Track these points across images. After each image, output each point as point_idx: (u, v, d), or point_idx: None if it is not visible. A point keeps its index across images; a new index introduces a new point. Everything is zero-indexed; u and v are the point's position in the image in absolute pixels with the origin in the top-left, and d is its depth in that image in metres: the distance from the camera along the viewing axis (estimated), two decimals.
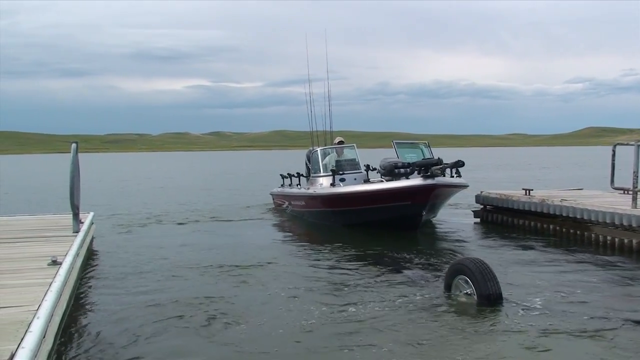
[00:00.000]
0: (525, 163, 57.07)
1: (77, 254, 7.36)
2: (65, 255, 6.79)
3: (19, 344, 3.83)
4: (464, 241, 11.90)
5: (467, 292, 6.84)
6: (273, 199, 18.82)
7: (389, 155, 14.37)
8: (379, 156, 14.80)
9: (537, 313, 6.44)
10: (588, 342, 5.60)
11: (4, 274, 6.12)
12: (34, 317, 4.40)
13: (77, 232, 8.88)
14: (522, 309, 6.54)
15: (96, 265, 9.57)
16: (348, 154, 14.97)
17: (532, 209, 12.32)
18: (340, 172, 14.05)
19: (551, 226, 11.95)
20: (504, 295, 6.73)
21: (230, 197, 22.98)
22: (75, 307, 6.80)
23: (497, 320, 6.25)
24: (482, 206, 14.28)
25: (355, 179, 14.02)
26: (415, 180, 11.99)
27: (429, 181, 11.70)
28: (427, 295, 7.23)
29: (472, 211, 14.77)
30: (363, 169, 14.30)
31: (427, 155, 14.10)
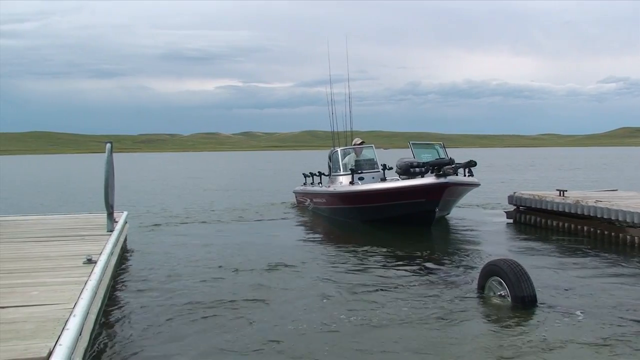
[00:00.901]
0: (558, 164, 56.35)
1: (111, 253, 7.43)
2: (100, 254, 6.87)
3: (57, 341, 3.88)
4: (497, 242, 11.79)
5: (500, 294, 6.78)
6: (296, 197, 19.70)
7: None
8: (409, 156, 14.99)
9: (571, 316, 6.34)
10: (622, 347, 5.49)
11: (41, 272, 6.21)
12: (70, 314, 4.45)
13: (111, 231, 8.97)
14: (556, 312, 6.45)
15: (130, 263, 9.68)
16: (367, 154, 15.87)
17: (566, 210, 12.15)
18: (359, 171, 14.91)
19: (585, 227, 11.78)
20: (538, 297, 6.65)
21: (256, 196, 23.66)
22: (110, 305, 6.88)
23: (530, 322, 6.17)
24: (515, 207, 14.13)
25: (373, 177, 14.80)
26: (429, 179, 12.62)
27: (442, 180, 12.31)
28: (460, 297, 7.17)
29: (505, 212, 14.63)
30: (380, 168, 14.95)
31: (442, 156, 14.70)
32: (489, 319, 6.37)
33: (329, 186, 16.12)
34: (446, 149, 15.65)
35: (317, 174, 17.92)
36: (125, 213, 11.21)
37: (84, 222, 10.45)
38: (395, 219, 13.36)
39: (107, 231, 9.00)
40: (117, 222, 9.63)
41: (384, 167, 14.85)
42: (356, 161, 15.49)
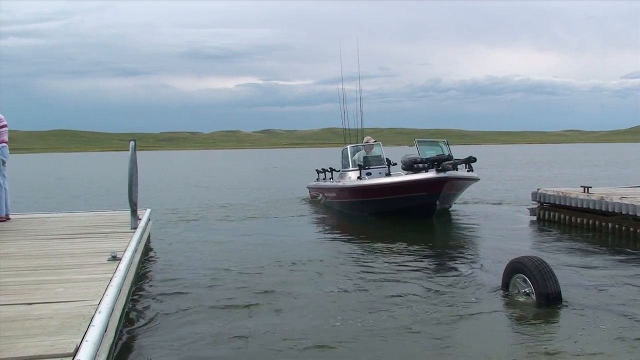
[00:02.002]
0: (582, 160, 55.78)
1: (135, 250, 7.49)
2: (124, 251, 6.93)
3: (83, 337, 3.91)
4: (521, 239, 11.70)
5: (525, 291, 6.72)
6: (310, 192, 20.78)
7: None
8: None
9: (597, 314, 6.27)
10: None
11: (67, 268, 6.27)
12: (95, 311, 4.49)
13: (135, 228, 9.04)
14: (582, 310, 6.38)
15: (153, 260, 9.74)
16: (375, 150, 16.86)
17: (591, 207, 12.01)
18: (367, 167, 16.02)
19: (610, 224, 11.63)
20: (563, 295, 6.59)
21: (274, 192, 24.39)
22: (134, 301, 6.93)
23: (555, 320, 6.13)
24: (538, 204, 14.00)
25: (380, 173, 15.70)
26: (429, 174, 13.60)
27: (441, 174, 13.29)
28: (484, 294, 7.13)
29: (529, 209, 14.50)
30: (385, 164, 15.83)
31: (446, 153, 15.33)
32: (514, 316, 6.32)
33: (339, 181, 17.23)
34: (450, 146, 16.27)
35: (329, 169, 18.84)
36: (149, 210, 11.29)
37: (108, 220, 10.54)
38: (400, 211, 14.27)
39: (131, 228, 9.07)
40: (140, 219, 9.70)
41: (389, 162, 15.62)
42: (365, 157, 16.55)
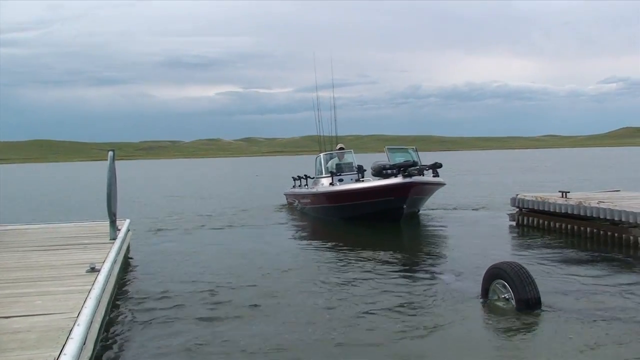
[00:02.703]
0: (560, 165, 56.29)
1: (114, 261, 7.44)
2: (103, 263, 6.88)
3: (61, 350, 3.89)
4: (500, 245, 11.78)
5: (505, 297, 6.77)
6: (286, 199, 21.35)
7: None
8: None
9: (575, 318, 6.33)
10: (626, 350, 5.47)
11: (44, 281, 6.22)
12: (74, 324, 4.46)
13: (114, 239, 8.99)
14: (561, 314, 6.44)
15: (133, 271, 9.67)
16: (347, 157, 17.65)
17: (569, 212, 12.12)
18: (339, 174, 16.77)
19: (588, 229, 11.75)
20: (542, 300, 6.64)
21: (253, 199, 24.80)
22: (114, 313, 6.88)
23: (535, 325, 6.17)
24: (517, 209, 14.10)
25: (351, 179, 16.30)
26: (396, 179, 14.05)
27: (407, 179, 13.82)
28: (464, 300, 7.16)
29: (508, 214, 14.61)
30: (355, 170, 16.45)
31: (415, 159, 15.95)
32: (493, 322, 6.36)
33: (312, 188, 17.90)
34: (418, 152, 17.03)
35: (304, 177, 19.55)
36: (128, 221, 11.22)
37: (87, 231, 10.47)
38: (369, 216, 14.74)
39: (110, 239, 9.02)
40: (119, 229, 9.65)
41: (358, 169, 16.13)
42: (337, 164, 17.33)
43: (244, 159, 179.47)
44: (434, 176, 15.45)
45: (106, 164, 9.02)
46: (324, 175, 17.23)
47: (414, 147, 17.49)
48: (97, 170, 55.30)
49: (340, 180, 16.47)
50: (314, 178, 18.48)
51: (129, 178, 48.15)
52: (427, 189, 15.39)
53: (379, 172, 15.20)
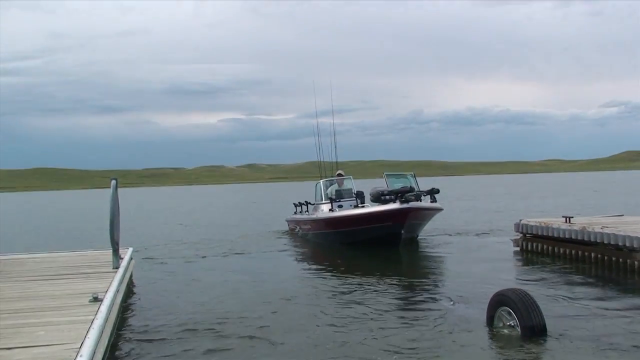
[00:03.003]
0: (563, 189, 56.20)
1: (117, 290, 7.41)
2: (106, 292, 6.85)
3: None
4: (505, 271, 11.72)
5: (510, 324, 6.72)
6: (288, 225, 21.54)
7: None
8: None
9: (581, 345, 6.29)
10: None
11: (47, 311, 6.19)
12: (77, 355, 4.43)
13: (117, 267, 8.96)
14: (567, 342, 6.39)
15: (136, 301, 9.63)
16: (347, 184, 18.00)
17: (573, 237, 12.08)
18: (337, 200, 17.01)
19: (592, 254, 11.69)
20: (547, 327, 6.59)
21: (256, 226, 24.95)
22: (116, 343, 6.84)
23: (541, 352, 6.12)
24: (521, 234, 14.06)
25: (351, 205, 16.58)
26: (394, 205, 14.36)
27: (404, 205, 14.13)
28: (468, 327, 7.11)
29: (512, 240, 14.57)
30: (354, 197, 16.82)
31: (413, 185, 16.28)
32: (498, 350, 6.31)
33: (312, 214, 18.16)
34: (417, 178, 17.34)
35: (305, 203, 19.54)
36: (131, 249, 11.21)
37: (90, 260, 10.44)
38: (368, 241, 14.93)
39: (113, 268, 8.99)
40: (122, 258, 9.62)
41: (356, 195, 16.62)
42: (337, 191, 17.65)
43: (248, 186, 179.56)
44: (431, 201, 15.86)
45: (109, 192, 9.04)
46: (323, 202, 17.53)
47: (412, 172, 17.82)
48: (99, 198, 55.41)
49: (340, 207, 16.74)
50: (314, 204, 18.71)
51: (132, 206, 48.18)
52: (424, 214, 15.63)
53: (378, 197, 15.55)
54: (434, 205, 15.85)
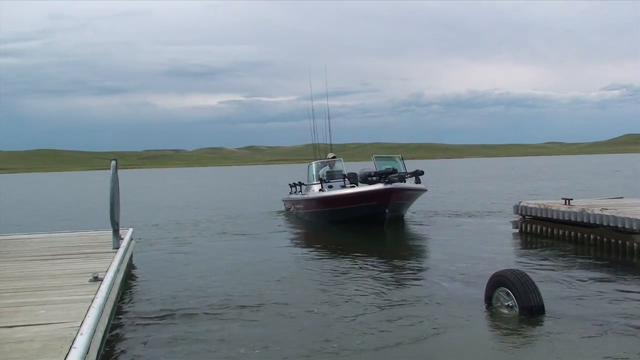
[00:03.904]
0: (563, 172, 56.19)
1: (117, 270, 7.44)
2: (106, 272, 6.87)
3: (64, 359, 3.88)
4: (504, 252, 11.75)
5: (508, 304, 6.75)
6: (284, 204, 22.39)
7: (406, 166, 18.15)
8: (412, 167, 17.77)
9: (579, 325, 6.31)
10: (630, 356, 5.45)
11: (48, 290, 6.22)
12: (77, 333, 4.45)
13: (117, 248, 8.98)
14: (565, 322, 6.42)
15: (136, 281, 9.66)
16: (337, 165, 18.78)
17: (572, 219, 12.10)
18: (328, 180, 17.80)
19: (592, 236, 11.72)
20: (545, 308, 6.62)
21: (255, 206, 25.56)
22: (117, 323, 6.87)
23: (539, 332, 6.15)
24: (520, 216, 14.08)
25: (340, 186, 17.24)
26: (378, 185, 15.14)
27: (388, 186, 14.85)
28: (467, 307, 7.14)
29: (511, 222, 14.59)
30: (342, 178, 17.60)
31: (400, 167, 17.64)
32: (496, 330, 6.35)
33: (305, 194, 19.18)
34: (404, 161, 18.53)
35: (299, 183, 20.85)
36: (131, 230, 11.22)
37: (90, 240, 10.47)
38: (356, 220, 15.67)
39: (113, 248, 9.02)
40: (122, 239, 9.63)
41: (344, 177, 17.37)
42: (328, 172, 18.40)
43: (248, 167, 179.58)
44: (416, 182, 16.88)
45: (109, 173, 9.05)
46: (314, 182, 18.37)
47: (399, 155, 19.03)
48: (100, 179, 55.43)
49: (330, 187, 17.46)
50: (306, 185, 19.65)
51: (132, 187, 48.20)
52: (408, 194, 16.37)
53: (365, 179, 16.31)
54: (417, 186, 16.79)
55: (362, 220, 15.55)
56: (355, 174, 17.08)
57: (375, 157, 18.13)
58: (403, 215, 17.45)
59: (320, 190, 17.35)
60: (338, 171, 18.39)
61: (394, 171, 15.67)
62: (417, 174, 16.88)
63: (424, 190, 17.29)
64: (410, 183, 16.59)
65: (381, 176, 15.38)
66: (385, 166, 16.81)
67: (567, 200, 12.92)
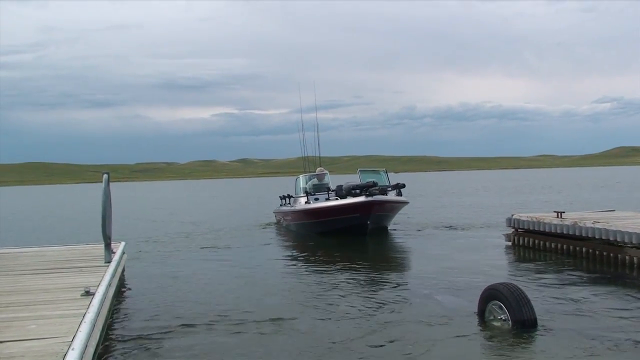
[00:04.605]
0: (555, 185, 56.33)
1: (109, 285, 7.39)
2: (98, 286, 6.83)
3: None
4: (496, 265, 11.75)
5: (501, 318, 6.75)
6: (275, 216, 23.08)
7: (402, 178, 19.53)
8: (405, 180, 18.77)
9: (572, 339, 6.32)
10: None
11: (39, 304, 6.18)
12: (68, 348, 4.42)
13: (109, 262, 8.93)
14: (557, 335, 6.43)
15: (128, 295, 9.63)
16: (325, 179, 19.47)
17: (565, 232, 12.14)
18: (313, 193, 18.38)
19: (584, 249, 11.75)
20: (538, 321, 6.63)
21: (246, 218, 26.04)
22: (108, 337, 6.84)
23: (531, 346, 6.16)
24: (513, 229, 14.11)
25: (326, 198, 17.87)
26: (360, 198, 15.87)
27: (369, 198, 15.61)
28: (459, 321, 7.14)
29: (504, 235, 14.61)
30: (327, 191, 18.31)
31: (384, 180, 18.60)
32: (489, 343, 6.35)
33: (292, 206, 19.56)
34: (388, 174, 19.44)
35: (288, 196, 21.05)
36: (123, 244, 11.17)
37: (82, 254, 10.41)
38: (339, 231, 16.32)
39: (105, 262, 8.96)
40: (114, 252, 9.59)
41: (328, 190, 18.24)
42: (315, 185, 19.13)
43: (240, 180, 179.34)
44: (397, 195, 17.70)
45: (101, 186, 9.01)
46: (301, 195, 18.85)
47: (384, 168, 19.94)
48: (92, 193, 55.25)
49: (316, 199, 18.09)
50: (294, 197, 20.15)
51: (124, 200, 48.03)
52: (389, 206, 17.15)
53: (349, 192, 16.88)
54: (398, 198, 17.64)
55: (346, 231, 16.22)
56: (342, 186, 17.47)
57: (360, 170, 19.05)
58: (387, 227, 18.17)
59: (306, 202, 17.85)
60: (325, 184, 19.06)
61: (375, 184, 16.29)
62: (398, 187, 17.73)
63: (406, 203, 18.01)
64: (391, 196, 17.37)
65: (362, 189, 16.08)
66: (369, 179, 17.53)
67: (560, 213, 12.96)
